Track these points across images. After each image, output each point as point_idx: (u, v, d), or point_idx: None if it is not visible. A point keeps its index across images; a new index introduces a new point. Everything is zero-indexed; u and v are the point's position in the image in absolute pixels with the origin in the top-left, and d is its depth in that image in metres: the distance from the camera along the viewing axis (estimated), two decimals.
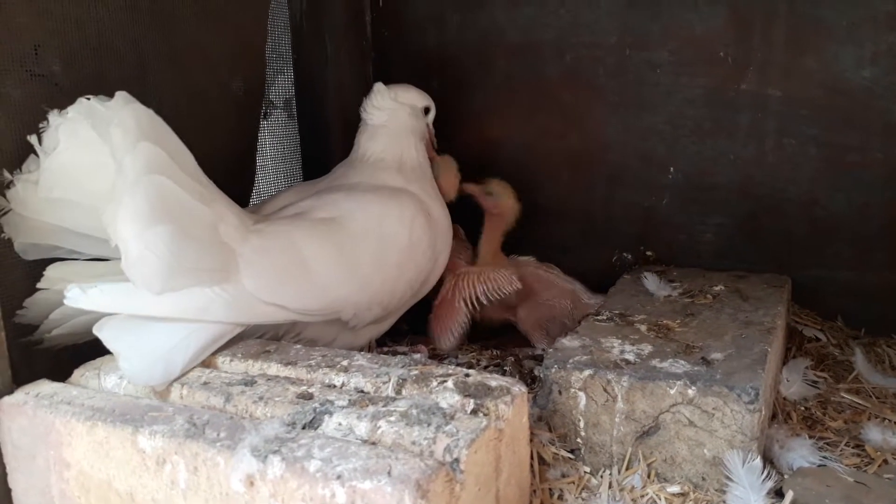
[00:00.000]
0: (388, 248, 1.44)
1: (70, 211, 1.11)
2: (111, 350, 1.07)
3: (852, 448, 1.27)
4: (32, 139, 1.12)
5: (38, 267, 1.17)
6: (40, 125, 1.12)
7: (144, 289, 1.06)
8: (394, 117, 1.61)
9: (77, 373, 1.15)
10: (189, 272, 1.10)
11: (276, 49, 1.94)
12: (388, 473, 0.82)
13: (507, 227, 1.79)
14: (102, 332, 1.07)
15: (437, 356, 1.68)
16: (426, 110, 1.69)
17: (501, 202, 1.77)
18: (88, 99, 1.10)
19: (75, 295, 1.07)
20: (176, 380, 1.09)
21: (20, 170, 1.14)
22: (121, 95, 1.11)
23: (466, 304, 1.66)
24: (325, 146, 1.99)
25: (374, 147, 1.60)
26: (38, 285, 1.15)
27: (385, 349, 1.63)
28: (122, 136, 1.06)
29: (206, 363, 1.17)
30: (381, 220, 1.45)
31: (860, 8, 1.62)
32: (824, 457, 1.21)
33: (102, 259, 1.17)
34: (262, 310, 1.21)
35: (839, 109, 1.67)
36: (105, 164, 1.07)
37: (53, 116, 1.10)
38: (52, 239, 1.15)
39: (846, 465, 1.20)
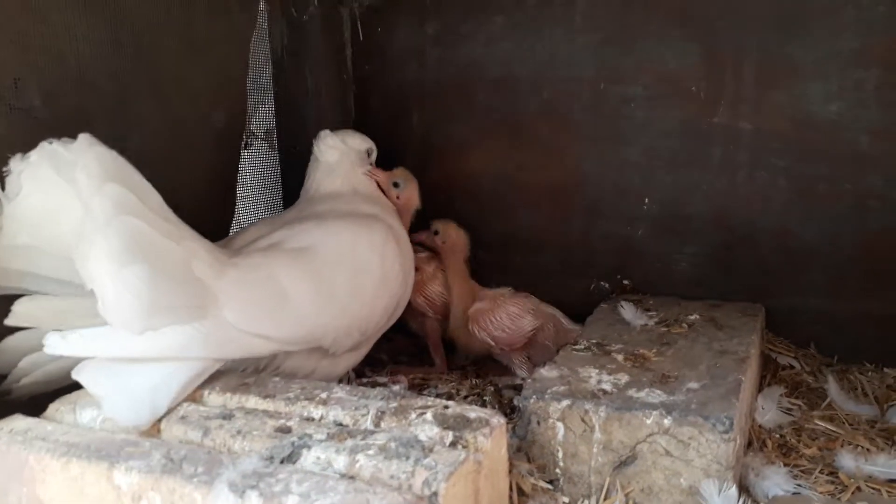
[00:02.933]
0: (362, 274, 1.47)
1: (37, 256, 1.10)
2: (93, 395, 1.06)
3: (826, 475, 1.28)
4: None
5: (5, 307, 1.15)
6: (3, 169, 1.10)
7: (124, 329, 1.05)
8: (344, 157, 1.71)
9: (52, 407, 1.14)
10: (167, 310, 1.09)
11: (258, 81, 1.96)
12: None
13: (464, 257, 1.82)
14: (82, 377, 1.06)
15: (417, 386, 1.69)
16: (368, 152, 1.78)
17: (449, 237, 1.81)
18: (51, 143, 1.08)
19: (55, 342, 1.06)
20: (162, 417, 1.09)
21: None
22: (84, 138, 1.09)
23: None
24: (306, 177, 2.00)
25: (332, 181, 1.69)
26: (7, 321, 1.13)
27: (364, 380, 1.64)
28: (87, 179, 1.04)
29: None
30: (354, 246, 1.48)
31: (826, 45, 1.67)
32: (799, 485, 1.23)
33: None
34: (244, 342, 1.21)
35: (808, 142, 1.72)
36: (70, 208, 1.05)
37: (15, 162, 1.08)
38: (18, 283, 1.14)
39: (820, 493, 1.22)
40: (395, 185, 1.80)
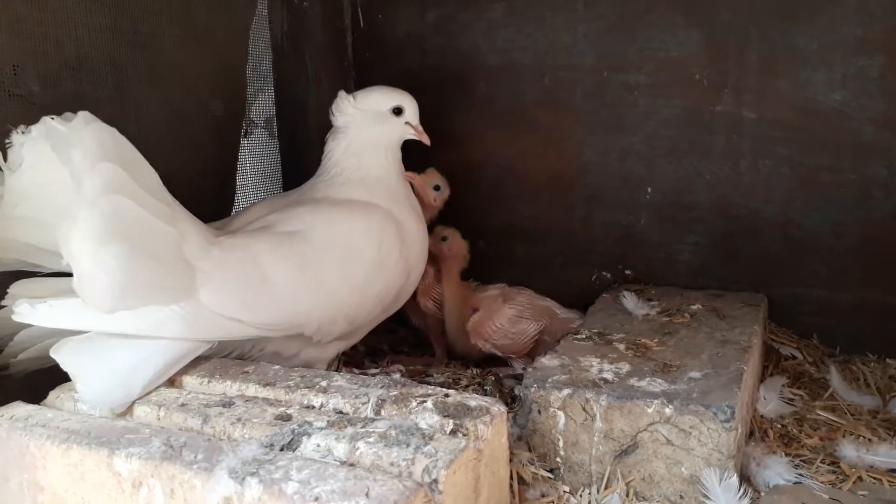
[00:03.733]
0: (354, 262, 1.41)
1: (33, 228, 1.10)
2: (69, 373, 1.06)
3: (828, 465, 1.28)
4: None
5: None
6: (6, 141, 1.11)
7: (94, 308, 1.05)
8: (355, 125, 1.54)
9: (52, 395, 1.14)
10: (145, 290, 1.09)
11: (258, 68, 1.95)
12: (366, 495, 0.82)
13: (463, 264, 1.80)
14: (59, 355, 1.06)
15: (418, 375, 1.69)
16: (397, 111, 1.58)
17: (455, 245, 1.78)
18: (52, 118, 1.09)
19: (24, 311, 1.06)
20: (138, 399, 1.09)
21: None
22: (82, 115, 1.10)
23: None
24: (306, 165, 1.98)
25: (339, 155, 1.54)
26: (2, 302, 1.13)
27: (356, 371, 1.62)
28: (82, 156, 1.05)
29: (180, 384, 1.16)
30: (347, 232, 1.42)
31: (830, 33, 1.66)
32: (800, 474, 1.23)
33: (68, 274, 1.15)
34: (220, 325, 1.19)
35: (812, 131, 1.71)
36: (66, 183, 1.06)
37: (17, 135, 1.09)
38: (16, 253, 1.13)
39: (821, 483, 1.21)
40: (436, 188, 1.76)
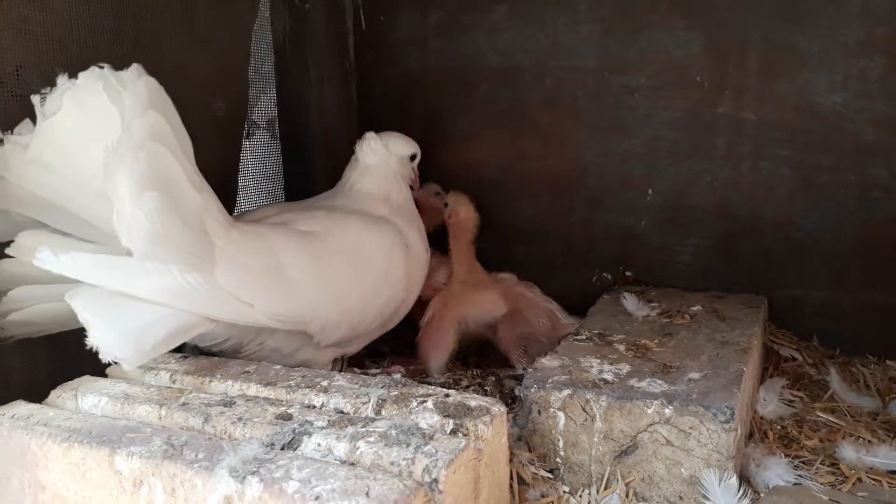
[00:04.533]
0: (364, 269, 1.47)
1: (53, 179, 1.11)
2: (82, 319, 1.04)
3: (827, 466, 1.28)
4: (34, 99, 1.12)
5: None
6: (43, 90, 1.12)
7: (129, 245, 1.06)
8: (384, 162, 1.66)
9: (54, 394, 1.14)
10: (171, 247, 1.10)
11: (260, 70, 1.96)
12: (367, 494, 0.82)
13: (470, 236, 1.81)
14: (75, 301, 1.05)
15: (418, 375, 1.69)
16: (412, 157, 1.74)
17: (459, 211, 1.80)
18: (101, 67, 1.11)
19: (46, 257, 1.05)
20: (151, 365, 1.12)
21: (11, 132, 1.14)
22: (135, 67, 1.13)
23: (454, 327, 1.69)
24: (307, 166, 2.00)
25: (365, 182, 1.64)
26: (8, 251, 1.12)
27: (357, 371, 1.62)
28: (134, 101, 1.08)
29: (181, 383, 1.17)
30: (360, 240, 1.47)
31: (831, 35, 1.66)
32: (800, 475, 1.23)
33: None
34: (231, 306, 1.20)
35: (812, 132, 1.71)
36: (102, 136, 1.07)
37: (62, 80, 1.10)
38: (26, 208, 1.14)
39: (821, 484, 1.21)
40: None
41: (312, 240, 1.39)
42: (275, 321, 1.29)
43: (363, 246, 1.48)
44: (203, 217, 1.18)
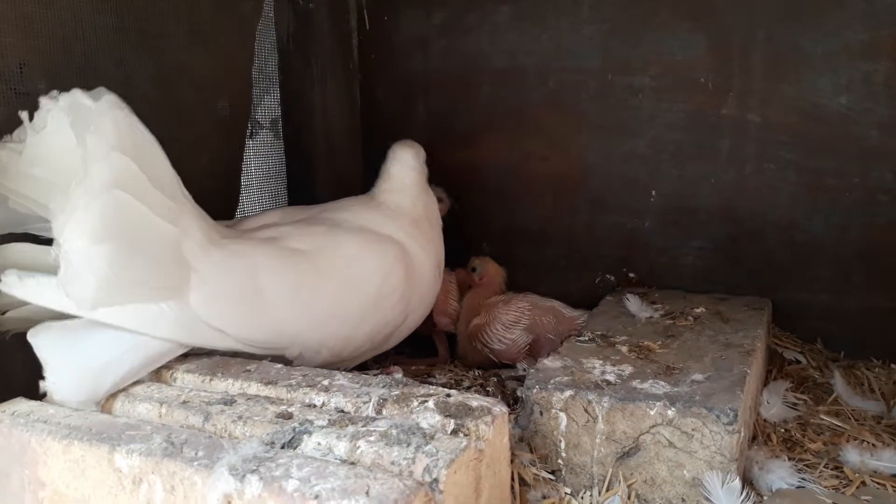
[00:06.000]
0: (353, 294, 1.39)
1: (46, 189, 1.10)
2: (40, 358, 1.04)
3: (831, 470, 1.28)
4: (23, 115, 1.11)
5: None
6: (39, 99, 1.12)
7: (76, 303, 1.05)
8: (419, 171, 1.64)
9: None
10: (133, 288, 1.08)
11: (264, 69, 1.96)
12: (367, 493, 0.81)
13: (498, 291, 1.85)
14: (36, 340, 1.05)
15: (421, 377, 1.68)
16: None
17: (486, 273, 1.83)
18: (82, 92, 1.09)
19: (11, 281, 1.05)
20: (127, 397, 1.09)
21: (10, 136, 1.14)
22: (108, 99, 1.09)
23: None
24: (310, 166, 2.00)
25: (396, 198, 1.59)
26: None
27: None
28: (97, 142, 1.05)
29: (182, 381, 1.16)
30: (354, 262, 1.40)
31: (836, 37, 1.66)
32: (803, 478, 1.22)
33: None
34: (203, 332, 1.17)
35: (817, 135, 1.71)
36: (76, 164, 1.05)
37: (45, 100, 1.09)
38: (23, 210, 1.13)
39: (825, 487, 1.21)
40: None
41: (300, 260, 1.33)
42: (249, 347, 1.25)
43: (356, 269, 1.40)
44: (180, 244, 1.15)
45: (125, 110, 1.11)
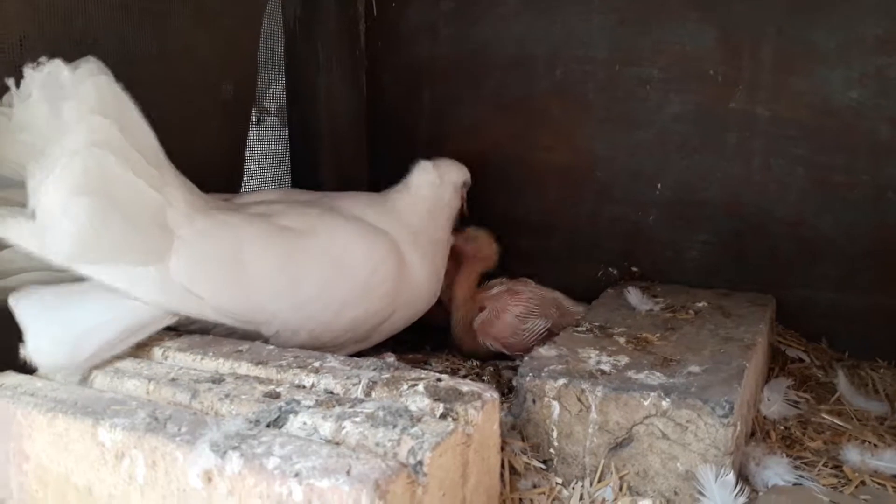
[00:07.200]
0: (340, 279, 1.37)
1: (34, 156, 1.09)
2: (20, 323, 1.04)
3: (830, 468, 1.25)
4: (10, 81, 1.11)
5: None
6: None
7: (52, 255, 1.04)
8: (436, 195, 1.61)
9: None
10: (111, 249, 1.08)
11: (270, 55, 1.95)
12: (347, 473, 0.80)
13: (487, 269, 1.80)
14: (17, 304, 1.05)
15: (417, 365, 1.67)
16: (465, 184, 1.70)
17: (476, 243, 1.78)
18: (61, 63, 1.09)
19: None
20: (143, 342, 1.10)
21: (2, 101, 1.14)
22: (88, 66, 1.09)
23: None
24: (314, 152, 1.99)
25: (409, 213, 1.55)
26: None
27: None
28: (75, 108, 1.05)
29: (173, 359, 1.15)
30: (345, 246, 1.38)
31: (848, 31, 1.63)
32: (800, 476, 1.20)
33: None
34: (181, 297, 1.16)
35: (827, 130, 1.68)
36: (55, 132, 1.06)
37: (28, 70, 1.09)
38: (15, 175, 1.13)
39: (823, 485, 1.18)
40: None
41: (288, 237, 1.32)
42: (226, 317, 1.23)
43: (346, 254, 1.38)
44: (164, 210, 1.15)
45: (108, 76, 1.11)
